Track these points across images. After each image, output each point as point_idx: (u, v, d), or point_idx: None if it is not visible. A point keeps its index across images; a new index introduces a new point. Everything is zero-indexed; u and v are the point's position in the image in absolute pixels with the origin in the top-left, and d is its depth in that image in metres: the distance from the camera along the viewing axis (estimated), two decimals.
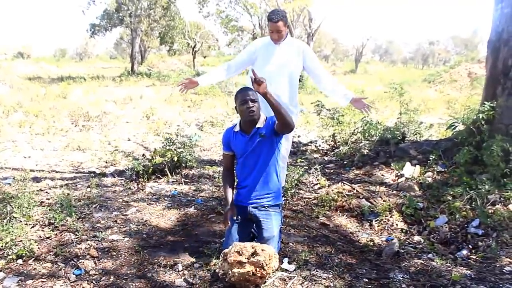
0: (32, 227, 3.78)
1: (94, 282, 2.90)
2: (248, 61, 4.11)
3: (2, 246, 3.23)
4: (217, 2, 28.34)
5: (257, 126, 3.26)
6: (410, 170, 5.12)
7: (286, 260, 3.23)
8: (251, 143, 3.27)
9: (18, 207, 3.81)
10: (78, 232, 3.68)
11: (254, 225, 3.41)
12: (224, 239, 3.39)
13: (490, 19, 5.05)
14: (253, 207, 3.31)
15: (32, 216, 3.92)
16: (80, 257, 3.24)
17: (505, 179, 4.33)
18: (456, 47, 70.14)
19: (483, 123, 4.77)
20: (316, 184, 5.28)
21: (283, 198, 4.10)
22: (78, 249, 3.39)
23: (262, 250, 2.78)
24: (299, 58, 4.01)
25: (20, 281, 2.89)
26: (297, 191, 5.01)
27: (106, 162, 6.68)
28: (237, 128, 3.36)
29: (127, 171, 5.89)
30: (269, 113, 3.59)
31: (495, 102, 4.76)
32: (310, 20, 27.23)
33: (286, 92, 3.98)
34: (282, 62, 3.95)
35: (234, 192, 3.49)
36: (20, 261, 3.17)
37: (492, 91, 4.92)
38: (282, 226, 3.50)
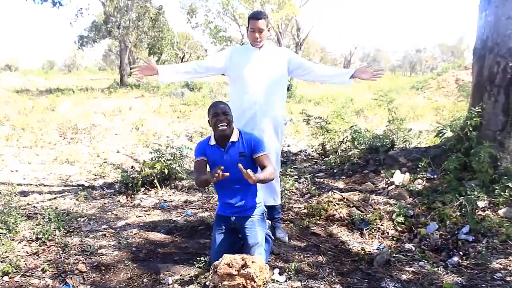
0: (19, 242, 3.73)
1: None
2: (222, 66, 3.75)
3: None
4: (205, 13, 28.49)
5: (231, 140, 3.24)
6: (400, 178, 5.13)
7: (277, 271, 3.21)
8: (228, 158, 3.23)
9: (4, 222, 3.76)
10: (66, 247, 3.63)
11: (240, 234, 3.40)
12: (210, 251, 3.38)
13: (475, 27, 5.11)
14: (235, 217, 3.30)
15: (19, 231, 3.87)
16: (68, 273, 3.19)
17: (493, 185, 4.35)
18: (443, 54, 71.10)
19: (471, 129, 4.80)
20: (306, 194, 5.28)
21: (280, 214, 4.10)
22: (66, 264, 3.34)
23: (252, 262, 2.76)
24: (284, 66, 3.76)
25: None
26: (287, 201, 5.00)
27: (95, 175, 6.61)
28: (212, 142, 3.30)
29: (116, 183, 5.85)
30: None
31: (482, 109, 4.79)
32: (298, 29, 27.44)
33: (270, 101, 3.69)
34: (265, 67, 3.67)
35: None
36: (6, 278, 3.11)
37: (479, 98, 4.96)
38: (271, 236, 3.47)
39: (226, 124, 3.18)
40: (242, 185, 3.24)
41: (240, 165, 2.89)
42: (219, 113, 3.18)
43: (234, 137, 3.25)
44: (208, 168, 3.38)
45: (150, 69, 3.71)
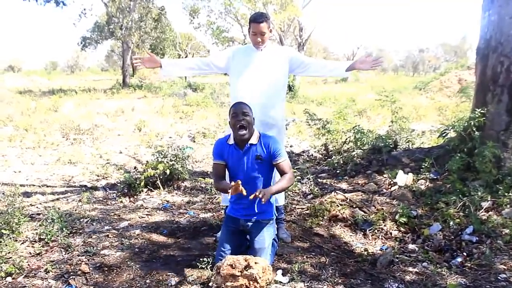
0: (22, 243, 3.73)
1: None
2: (224, 65, 3.77)
3: None
4: (207, 13, 28.45)
5: (250, 142, 3.20)
6: (403, 178, 5.12)
7: (280, 272, 3.20)
8: (246, 160, 3.22)
9: (7, 223, 3.76)
10: (69, 248, 3.63)
11: (247, 236, 3.39)
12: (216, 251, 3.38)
13: (478, 26, 5.09)
14: (245, 220, 3.29)
15: (22, 232, 3.87)
16: (71, 273, 3.19)
17: (497, 185, 4.34)
18: (445, 54, 70.99)
19: (474, 130, 4.79)
20: (309, 194, 5.27)
21: (283, 214, 4.09)
22: (69, 265, 3.34)
23: (256, 262, 2.75)
24: (285, 66, 3.74)
25: None
26: (290, 201, 4.99)
27: (98, 176, 6.62)
28: (231, 141, 3.27)
29: (119, 184, 5.85)
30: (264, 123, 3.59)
31: (485, 109, 4.78)
32: (300, 29, 27.37)
33: (271, 101, 3.69)
34: (266, 69, 3.66)
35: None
36: (9, 278, 3.11)
37: (482, 98, 4.94)
38: (276, 239, 3.46)
39: (245, 126, 3.14)
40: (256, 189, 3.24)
41: (252, 196, 2.91)
42: (238, 114, 3.14)
43: (253, 139, 3.22)
44: (227, 171, 3.38)
45: (153, 61, 3.70)
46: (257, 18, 3.57)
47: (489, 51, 4.87)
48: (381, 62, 3.84)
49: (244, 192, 2.92)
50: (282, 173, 3.23)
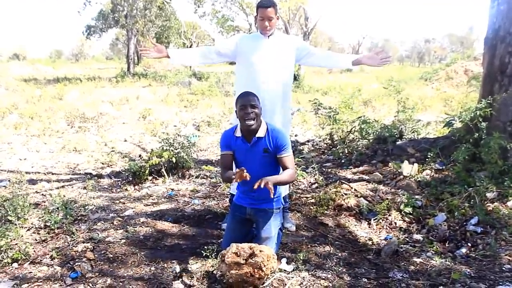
0: (28, 230, 3.75)
1: (90, 285, 2.87)
2: (231, 52, 3.71)
3: None
4: (212, 2, 28.28)
5: (257, 135, 3.16)
6: (408, 168, 5.10)
7: (284, 260, 3.21)
8: (253, 153, 3.20)
9: (13, 210, 3.78)
10: (74, 235, 3.65)
11: (254, 224, 3.39)
12: (222, 239, 3.38)
13: (486, 16, 5.04)
14: (251, 208, 3.28)
15: (27, 219, 3.89)
16: (77, 260, 3.21)
17: (503, 176, 4.32)
18: (452, 45, 70.54)
19: (480, 120, 4.76)
20: (314, 184, 5.26)
21: (288, 203, 4.09)
22: (75, 251, 3.35)
23: (260, 251, 2.76)
24: (292, 54, 3.71)
25: (15, 285, 2.85)
26: (295, 190, 4.99)
27: (103, 164, 6.64)
28: (238, 133, 3.23)
29: (123, 172, 5.86)
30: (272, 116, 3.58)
31: (492, 99, 4.74)
32: (306, 19, 27.23)
33: (278, 89, 3.66)
34: (273, 56, 3.62)
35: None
36: (15, 264, 3.14)
37: (489, 88, 4.91)
38: (281, 227, 3.46)
39: (253, 118, 3.08)
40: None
41: (255, 185, 2.83)
42: (247, 106, 3.07)
43: (261, 132, 3.17)
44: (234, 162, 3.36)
45: (159, 51, 3.65)
46: (265, 3, 3.54)
47: (497, 41, 4.82)
48: (389, 60, 3.79)
49: (248, 177, 2.86)
50: (284, 167, 3.20)
